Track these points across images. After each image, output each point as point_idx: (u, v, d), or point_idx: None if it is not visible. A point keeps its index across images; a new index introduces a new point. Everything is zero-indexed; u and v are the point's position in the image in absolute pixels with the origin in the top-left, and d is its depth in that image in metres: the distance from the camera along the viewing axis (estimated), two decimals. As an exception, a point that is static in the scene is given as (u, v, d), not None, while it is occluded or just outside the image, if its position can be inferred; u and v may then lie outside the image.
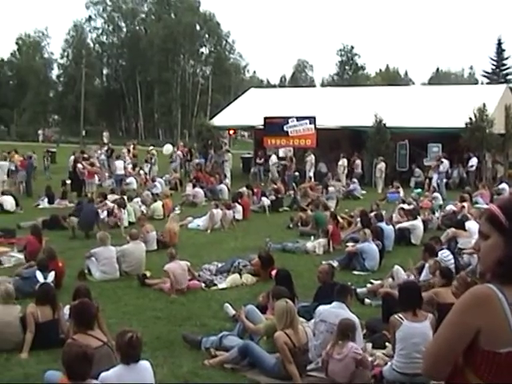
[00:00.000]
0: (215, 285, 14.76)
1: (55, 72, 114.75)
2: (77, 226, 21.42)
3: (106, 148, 42.50)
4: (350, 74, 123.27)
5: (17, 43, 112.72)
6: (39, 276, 12.66)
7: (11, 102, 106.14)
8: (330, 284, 11.43)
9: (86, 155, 34.98)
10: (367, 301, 13.12)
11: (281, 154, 39.56)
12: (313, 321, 10.05)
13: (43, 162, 41.17)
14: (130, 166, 36.17)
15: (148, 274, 15.14)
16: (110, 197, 25.76)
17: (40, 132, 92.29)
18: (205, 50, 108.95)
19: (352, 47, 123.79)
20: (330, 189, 29.79)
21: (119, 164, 34.31)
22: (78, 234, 21.23)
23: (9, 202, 27.04)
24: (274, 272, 13.40)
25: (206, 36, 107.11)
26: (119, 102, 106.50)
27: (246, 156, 47.64)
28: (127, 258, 15.74)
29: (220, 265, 16.11)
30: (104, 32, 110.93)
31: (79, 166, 30.94)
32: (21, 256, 17.17)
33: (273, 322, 9.57)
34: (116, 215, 22.65)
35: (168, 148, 46.10)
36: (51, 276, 12.94)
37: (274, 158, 38.20)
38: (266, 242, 18.83)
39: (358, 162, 37.43)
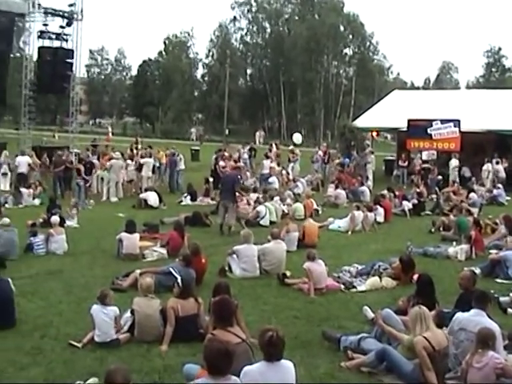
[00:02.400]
0: (355, 287, 14.67)
1: (200, 71, 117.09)
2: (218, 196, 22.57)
3: (248, 147, 42.90)
4: (496, 76, 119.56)
5: (164, 43, 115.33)
6: (174, 272, 12.89)
7: (157, 100, 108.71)
8: (471, 291, 11.12)
9: (226, 154, 35.43)
10: (510, 310, 12.74)
11: (424, 157, 38.85)
12: (448, 327, 9.81)
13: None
14: (272, 165, 36.36)
15: (288, 273, 15.21)
16: (252, 195, 26.08)
17: (193, 130, 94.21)
18: (348, 51, 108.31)
19: (499, 48, 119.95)
20: (472, 194, 29.04)
21: (267, 163, 34.60)
22: (217, 230, 21.72)
23: (153, 198, 27.76)
24: (415, 276, 13.22)
25: (350, 37, 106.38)
26: (262, 102, 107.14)
27: (388, 158, 47.14)
28: (268, 256, 15.85)
29: (360, 267, 15.99)
30: (248, 32, 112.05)
31: (221, 163, 31.39)
32: (163, 251, 17.62)
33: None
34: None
35: (298, 137, 46.11)
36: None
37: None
38: (407, 246, 18.59)
39: (498, 166, 36.25)
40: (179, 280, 11.63)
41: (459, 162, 36.71)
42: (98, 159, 32.86)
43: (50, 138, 49.70)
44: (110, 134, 59.33)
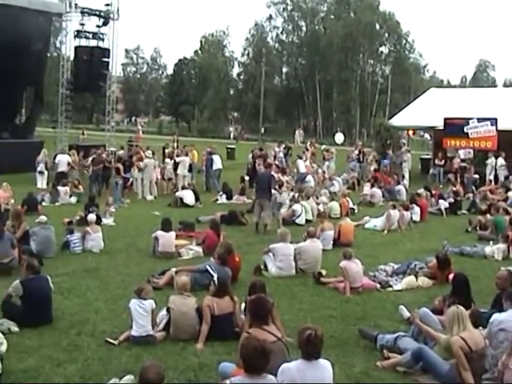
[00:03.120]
0: (391, 286, 14.63)
1: (235, 70, 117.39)
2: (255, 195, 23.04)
3: (284, 146, 42.85)
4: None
5: (200, 42, 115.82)
6: (210, 270, 12.93)
7: (193, 99, 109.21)
8: (508, 291, 11.06)
9: (263, 152, 35.45)
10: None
11: (461, 155, 38.58)
12: (487, 329, 9.71)
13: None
14: (308, 164, 36.31)
15: (324, 272, 15.19)
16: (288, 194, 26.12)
17: (231, 129, 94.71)
18: (384, 50, 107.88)
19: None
20: (510, 194, 28.76)
21: (301, 163, 34.54)
22: (252, 229, 21.78)
23: (189, 197, 27.84)
24: (451, 276, 13.14)
25: (386, 35, 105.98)
26: (298, 101, 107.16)
27: (424, 157, 46.86)
28: (303, 255, 15.84)
29: (396, 266, 15.91)
30: (284, 31, 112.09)
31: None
32: (199, 249, 17.66)
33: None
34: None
35: (339, 137, 46.02)
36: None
37: (500, 161, 36.53)
38: (443, 245, 18.46)
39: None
40: (215, 278, 11.68)
41: (495, 160, 36.33)
42: (131, 158, 33.04)
43: (79, 135, 49.61)
44: (141, 133, 59.32)
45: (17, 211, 18.43)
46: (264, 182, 22.49)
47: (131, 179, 31.22)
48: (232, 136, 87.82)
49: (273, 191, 23.02)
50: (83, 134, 50.04)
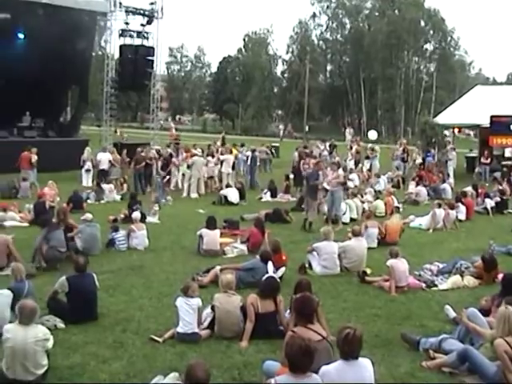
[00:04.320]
0: (436, 285, 14.50)
1: (279, 68, 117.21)
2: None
3: (329, 144, 42.74)
4: None
5: (244, 40, 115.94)
6: (270, 268, 12.87)
7: (237, 97, 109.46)
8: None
9: (307, 150, 35.39)
10: None
11: (507, 153, 38.17)
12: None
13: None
14: (352, 162, 36.19)
15: (368, 271, 15.12)
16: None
17: (281, 127, 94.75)
18: (429, 47, 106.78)
19: None
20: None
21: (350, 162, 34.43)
22: (297, 227, 21.70)
23: (233, 195, 27.87)
24: (499, 276, 13.00)
25: (431, 32, 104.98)
26: (342, 98, 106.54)
27: (470, 155, 46.35)
28: (348, 254, 15.79)
29: (441, 265, 15.77)
30: (328, 29, 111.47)
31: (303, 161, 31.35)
32: (243, 247, 17.71)
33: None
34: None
35: (373, 134, 45.84)
36: (281, 271, 13.22)
37: None
38: (489, 245, 18.27)
39: None
40: (265, 276, 11.65)
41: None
42: (171, 156, 33.12)
43: (123, 134, 49.28)
44: (174, 130, 59.28)
45: (62, 209, 18.63)
46: (310, 180, 22.54)
47: (168, 176, 31.26)
48: (281, 134, 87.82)
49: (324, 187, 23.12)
50: (115, 131, 49.34)
